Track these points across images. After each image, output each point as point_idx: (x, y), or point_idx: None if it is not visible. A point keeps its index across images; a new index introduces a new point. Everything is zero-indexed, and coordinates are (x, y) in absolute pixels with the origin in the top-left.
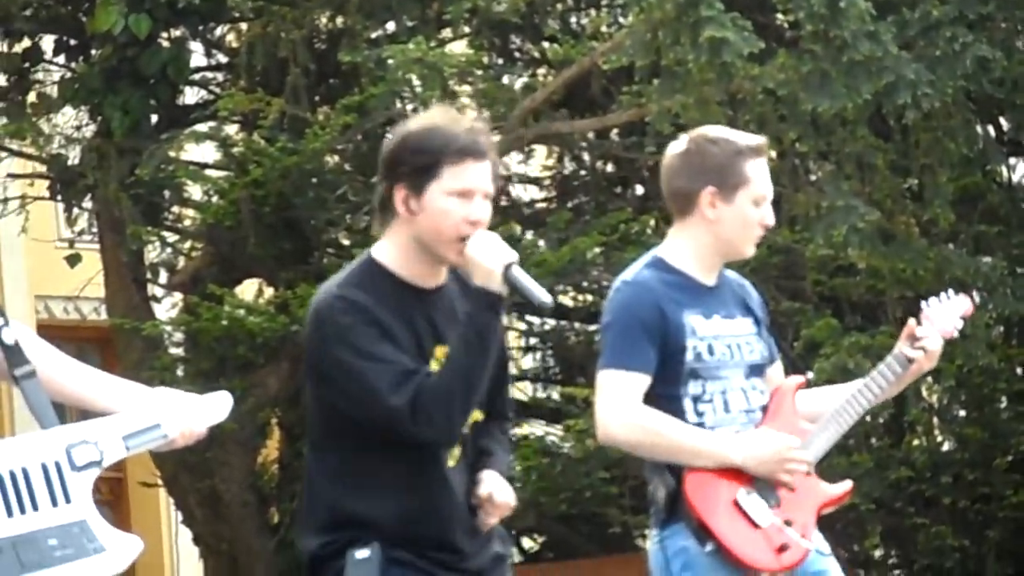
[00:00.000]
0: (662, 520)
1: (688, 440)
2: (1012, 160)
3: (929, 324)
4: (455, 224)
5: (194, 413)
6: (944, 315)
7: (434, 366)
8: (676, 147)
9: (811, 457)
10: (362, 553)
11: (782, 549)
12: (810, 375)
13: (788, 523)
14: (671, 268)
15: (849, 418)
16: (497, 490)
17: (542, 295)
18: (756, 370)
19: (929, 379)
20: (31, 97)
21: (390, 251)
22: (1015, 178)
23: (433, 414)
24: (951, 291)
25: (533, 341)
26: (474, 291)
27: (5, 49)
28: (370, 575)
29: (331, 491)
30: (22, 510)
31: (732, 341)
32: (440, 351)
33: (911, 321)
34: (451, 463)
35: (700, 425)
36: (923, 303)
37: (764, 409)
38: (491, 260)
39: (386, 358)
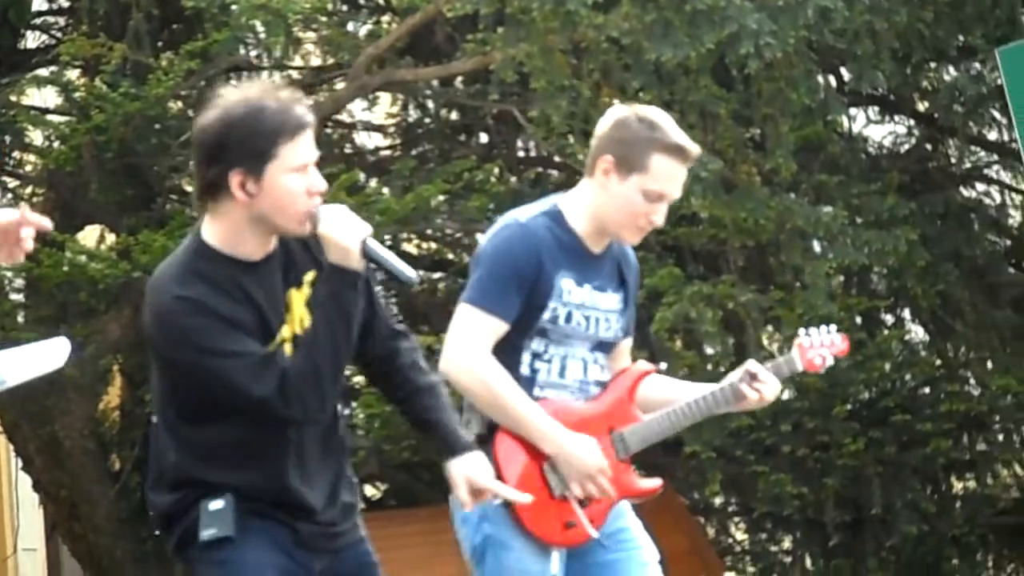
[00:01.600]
0: None
1: (519, 410)
2: (852, 110)
3: (771, 373)
4: (300, 199)
5: (32, 358)
6: (817, 347)
7: (285, 333)
8: (619, 110)
9: (633, 446)
10: (215, 504)
11: (568, 526)
12: (663, 365)
13: (583, 503)
14: (565, 224)
15: (680, 420)
16: (479, 475)
17: (406, 269)
18: (604, 346)
19: (770, 328)
20: None
21: (220, 232)
22: (855, 128)
23: (304, 395)
24: (833, 327)
25: (376, 289)
26: (332, 269)
27: None
28: (225, 524)
29: (179, 461)
30: None
31: (592, 314)
32: (288, 317)
33: (752, 364)
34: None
35: (531, 380)
36: (800, 331)
37: (603, 385)
38: (347, 237)
39: (239, 351)
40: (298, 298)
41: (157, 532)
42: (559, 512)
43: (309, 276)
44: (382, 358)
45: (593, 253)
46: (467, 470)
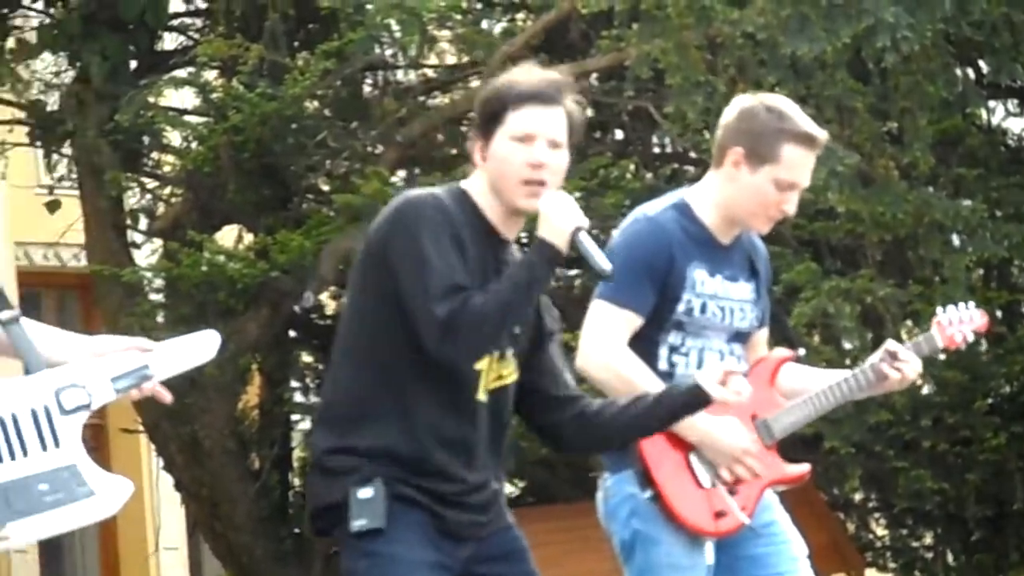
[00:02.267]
0: (609, 460)
1: None
2: (991, 103)
3: (911, 352)
4: (517, 167)
5: (182, 353)
6: (956, 324)
7: None
8: (745, 100)
9: (777, 432)
10: (365, 492)
11: (719, 515)
12: (801, 351)
13: (733, 492)
14: (693, 216)
15: (823, 405)
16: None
17: (604, 263)
18: (740, 336)
19: (909, 322)
20: (10, 43)
21: (475, 189)
22: (994, 121)
23: (461, 335)
24: (971, 304)
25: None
26: (538, 240)
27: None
28: (376, 515)
29: (353, 391)
30: (12, 456)
31: (727, 304)
32: None
33: (891, 343)
34: (481, 396)
35: (669, 374)
36: (938, 309)
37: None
38: (563, 219)
39: (451, 264)
40: None
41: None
42: (709, 502)
43: None
44: (557, 420)
45: (723, 244)
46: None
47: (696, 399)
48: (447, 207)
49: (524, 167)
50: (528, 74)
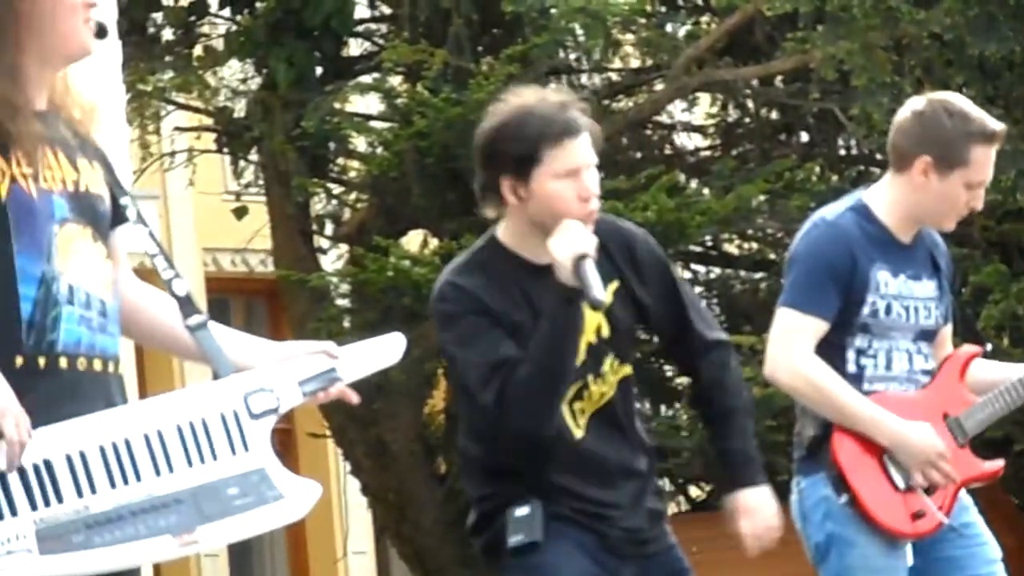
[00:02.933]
0: (802, 464)
1: (849, 405)
2: None
3: None
4: (569, 203)
5: (368, 356)
6: None
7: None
8: (915, 104)
9: (970, 430)
10: (522, 510)
11: (917, 516)
12: (988, 347)
13: (930, 492)
14: (873, 218)
15: (1015, 399)
16: (753, 520)
17: (599, 294)
18: (926, 335)
19: None
20: (197, 50)
21: (509, 232)
22: None
23: (515, 408)
24: None
25: (698, 290)
26: (555, 285)
27: (172, 3)
28: (533, 529)
29: (479, 464)
30: (202, 460)
31: (911, 304)
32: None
33: None
34: (578, 434)
35: (858, 377)
36: None
37: (930, 374)
38: (562, 253)
39: (482, 351)
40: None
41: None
42: (906, 504)
43: (611, 287)
44: (691, 371)
45: (903, 243)
46: (750, 505)
47: (735, 478)
48: (462, 288)
49: (576, 203)
50: (543, 104)
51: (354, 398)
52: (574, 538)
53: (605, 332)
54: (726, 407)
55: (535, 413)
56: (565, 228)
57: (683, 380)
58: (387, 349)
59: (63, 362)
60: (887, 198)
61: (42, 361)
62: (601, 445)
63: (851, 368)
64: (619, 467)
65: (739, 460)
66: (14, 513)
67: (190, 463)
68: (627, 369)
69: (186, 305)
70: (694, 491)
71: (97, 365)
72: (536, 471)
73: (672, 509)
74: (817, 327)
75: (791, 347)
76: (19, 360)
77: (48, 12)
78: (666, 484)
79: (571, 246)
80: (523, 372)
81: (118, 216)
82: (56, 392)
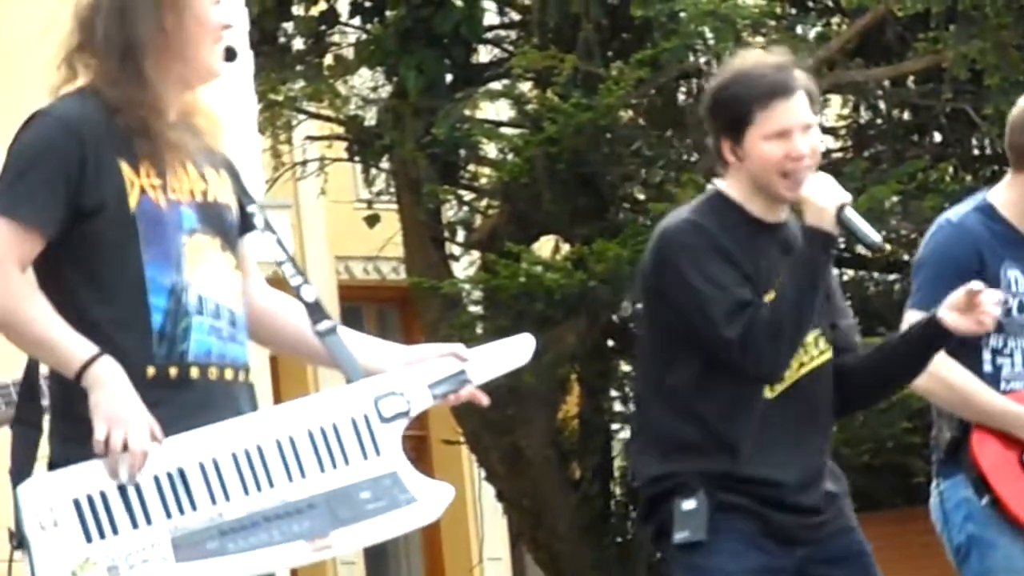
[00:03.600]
0: (941, 467)
1: (985, 402)
2: None
3: None
4: (778, 164)
5: (497, 357)
6: None
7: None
8: None
9: None
10: (689, 504)
11: None
12: None
13: None
14: (998, 216)
15: None
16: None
17: (873, 235)
18: None
19: None
20: (328, 59)
21: (734, 187)
22: None
23: (762, 349)
24: None
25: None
26: (805, 229)
27: (303, 13)
28: (699, 527)
29: (661, 415)
30: (334, 465)
31: None
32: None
33: None
34: (769, 395)
35: (995, 376)
36: None
37: None
38: (825, 199)
39: (725, 285)
40: None
41: (636, 514)
42: None
43: None
44: (843, 381)
45: None
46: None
47: (933, 330)
48: (703, 227)
49: (786, 162)
50: (759, 66)
51: (484, 400)
52: (739, 530)
53: None
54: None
55: (778, 354)
56: (818, 178)
57: None
58: (517, 350)
59: (194, 372)
60: (1011, 197)
61: (173, 371)
62: (788, 415)
63: (987, 368)
64: (798, 442)
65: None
66: (149, 522)
67: (322, 468)
68: (831, 352)
69: (315, 311)
70: None
71: (228, 374)
72: (737, 430)
73: None
74: None
75: None
76: (151, 371)
77: (189, 32)
78: None
79: (833, 194)
80: (770, 313)
81: (246, 225)
82: (188, 402)
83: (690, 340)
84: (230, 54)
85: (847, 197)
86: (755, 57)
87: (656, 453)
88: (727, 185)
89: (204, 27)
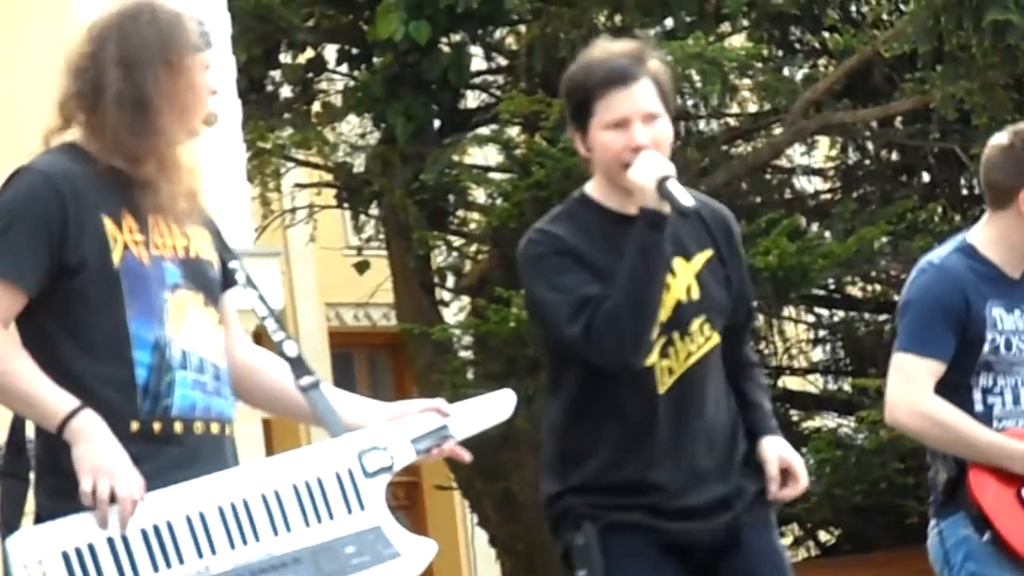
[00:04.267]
0: (940, 507)
1: (978, 439)
2: None
3: None
4: (618, 155)
5: (479, 413)
6: None
7: (665, 299)
8: (999, 140)
9: None
10: (579, 539)
11: None
12: None
13: None
14: (979, 256)
15: None
16: (789, 459)
17: (686, 201)
18: None
19: None
20: (316, 107)
21: (595, 184)
22: None
23: (605, 337)
24: None
25: (823, 333)
26: (639, 212)
27: (289, 60)
28: (595, 565)
29: (557, 430)
30: (319, 519)
31: None
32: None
33: None
34: (660, 390)
35: (987, 415)
36: None
37: None
38: (644, 176)
39: (569, 288)
40: (686, 268)
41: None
42: None
43: (704, 254)
44: (730, 380)
45: (1013, 279)
46: (779, 450)
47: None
48: (549, 232)
49: (626, 153)
50: (602, 53)
51: (466, 456)
52: (637, 553)
53: (696, 294)
54: (766, 426)
55: (620, 339)
56: (643, 156)
57: (809, 424)
58: (498, 405)
59: (178, 427)
60: (990, 235)
61: (157, 426)
62: (675, 412)
63: (979, 408)
64: (679, 441)
65: (766, 412)
66: (136, 575)
67: (307, 523)
68: (717, 337)
69: (298, 366)
70: (823, 535)
71: (214, 428)
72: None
73: (801, 554)
74: (935, 369)
75: (911, 390)
76: (135, 425)
77: (182, 95)
78: (795, 528)
79: (652, 169)
80: (610, 302)
81: (228, 280)
82: (172, 457)
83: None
84: (211, 119)
85: (667, 169)
86: (605, 45)
87: (550, 470)
88: (591, 182)
89: (195, 92)
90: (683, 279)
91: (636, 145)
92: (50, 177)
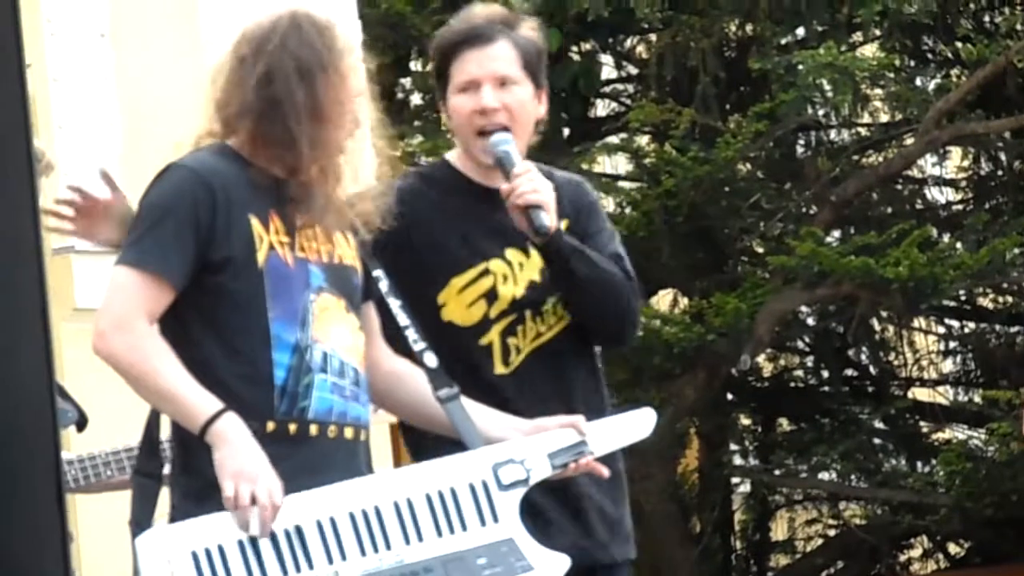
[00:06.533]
0: None
1: None
2: None
3: None
4: (467, 119)
5: (618, 430)
6: None
7: (496, 265)
8: None
9: None
10: None
11: None
12: None
13: None
14: None
15: None
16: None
17: (546, 221)
18: None
19: None
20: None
21: (458, 154)
22: None
23: None
24: None
25: (953, 345)
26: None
27: (420, 68)
28: None
29: None
30: (451, 530)
31: None
32: (511, 253)
33: None
34: (501, 370)
35: None
36: None
37: None
38: (520, 199)
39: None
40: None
41: None
42: None
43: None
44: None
45: None
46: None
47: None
48: (407, 185)
49: (474, 117)
50: (463, 16)
51: (604, 472)
52: None
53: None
54: None
55: None
56: (526, 177)
57: (939, 436)
58: (638, 424)
59: (313, 429)
60: None
61: (293, 427)
62: (527, 388)
63: None
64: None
65: None
66: None
67: (439, 532)
68: (568, 319)
69: (437, 377)
70: (953, 548)
71: (348, 433)
72: None
73: (931, 567)
74: None
75: None
76: (270, 425)
77: (347, 101)
78: (924, 541)
79: (528, 195)
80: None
81: (371, 289)
82: (305, 459)
83: None
84: (355, 125)
85: (542, 196)
86: (473, 10)
87: None
88: (454, 150)
89: (355, 98)
90: (537, 259)
91: (482, 107)
92: (199, 173)
